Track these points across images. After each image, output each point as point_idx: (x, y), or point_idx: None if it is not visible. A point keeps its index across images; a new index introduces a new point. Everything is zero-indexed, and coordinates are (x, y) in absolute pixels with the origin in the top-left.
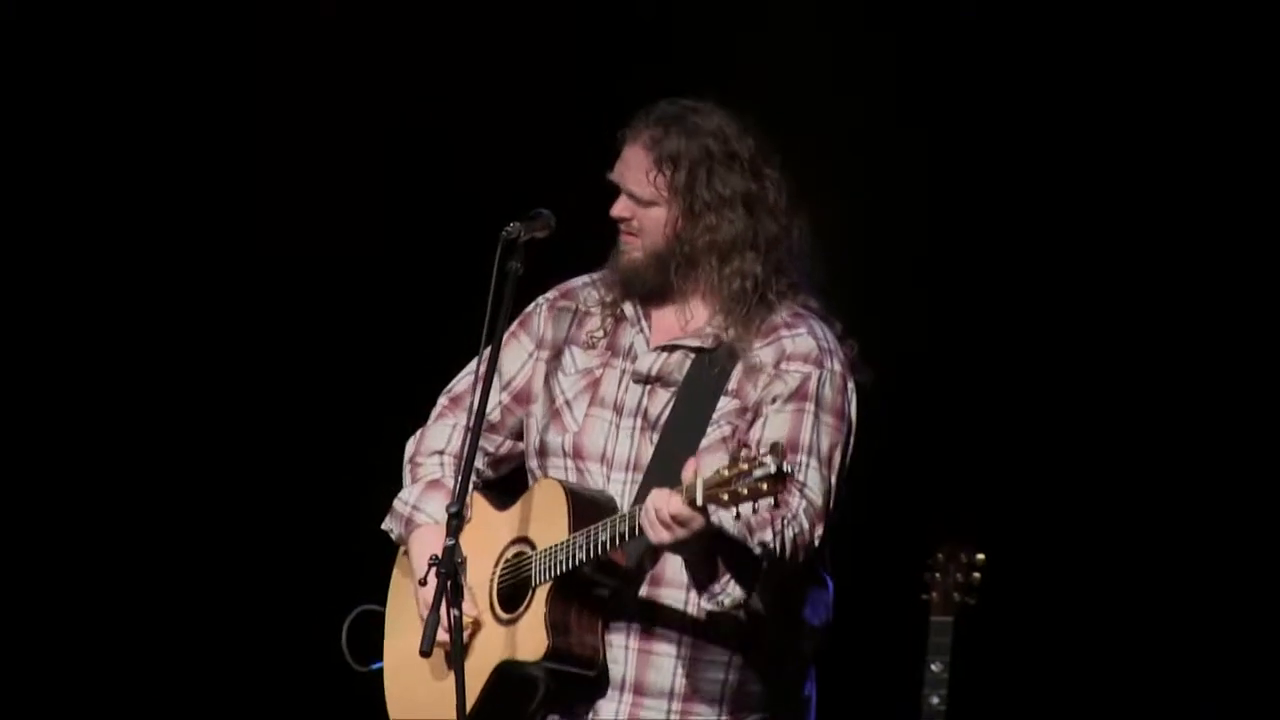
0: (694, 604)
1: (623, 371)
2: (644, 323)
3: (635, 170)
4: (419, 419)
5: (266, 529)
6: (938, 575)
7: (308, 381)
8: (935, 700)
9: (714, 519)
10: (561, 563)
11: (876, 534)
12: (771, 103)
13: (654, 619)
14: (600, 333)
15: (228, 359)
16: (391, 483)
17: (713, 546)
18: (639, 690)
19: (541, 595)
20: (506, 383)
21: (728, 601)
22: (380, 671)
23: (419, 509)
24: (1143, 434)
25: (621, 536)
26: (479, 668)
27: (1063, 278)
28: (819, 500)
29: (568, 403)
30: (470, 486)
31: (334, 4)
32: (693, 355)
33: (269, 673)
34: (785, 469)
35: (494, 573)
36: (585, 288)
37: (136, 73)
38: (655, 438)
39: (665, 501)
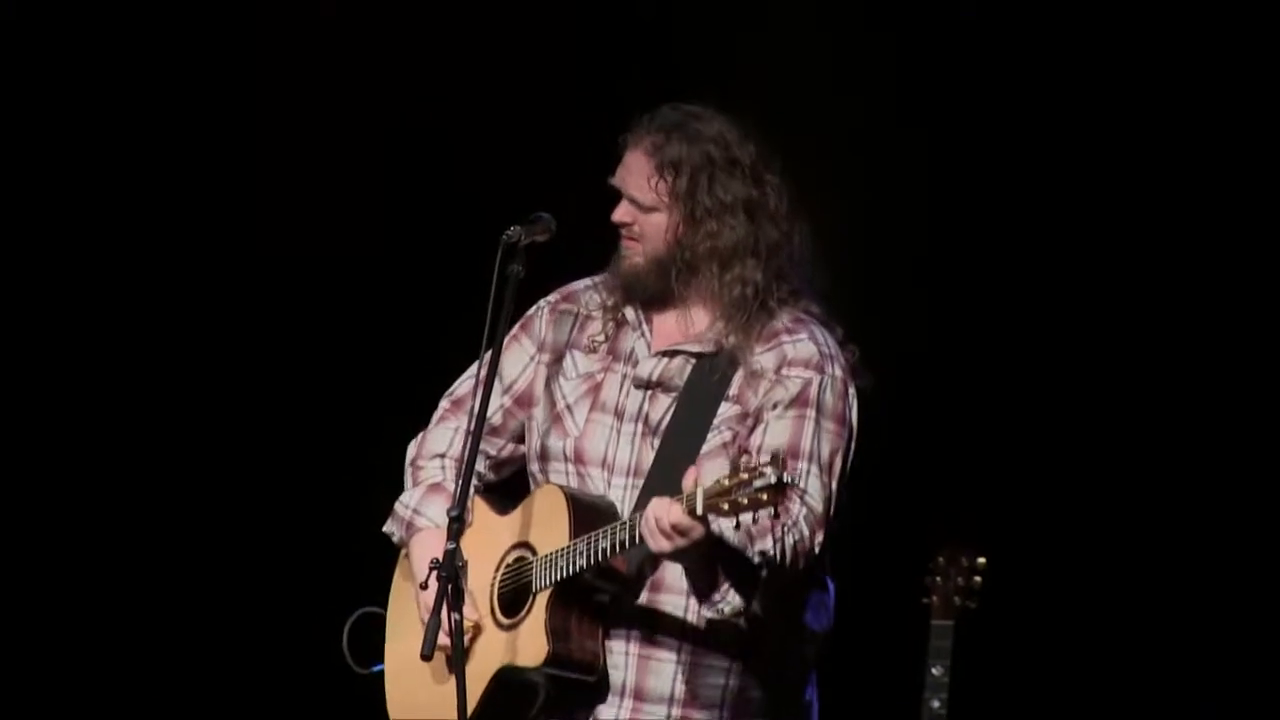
0: (694, 610)
1: (624, 376)
2: (645, 327)
3: (637, 176)
4: (420, 421)
5: (267, 531)
6: (938, 579)
7: (308, 383)
8: (936, 704)
9: (714, 527)
10: (562, 569)
11: (877, 538)
12: (771, 103)
13: (654, 625)
14: (602, 337)
15: (228, 360)
16: (392, 485)
17: (713, 555)
18: (639, 696)
19: (542, 601)
20: (508, 386)
21: (728, 610)
22: (381, 674)
23: (420, 512)
24: (1143, 436)
25: (622, 544)
26: (479, 672)
27: (1063, 279)
28: (819, 507)
29: (569, 407)
30: (471, 490)
31: (334, 4)
32: (694, 360)
33: (270, 674)
34: (786, 479)
35: (495, 577)
36: (587, 291)
37: (137, 73)
38: (656, 443)
39: (665, 510)
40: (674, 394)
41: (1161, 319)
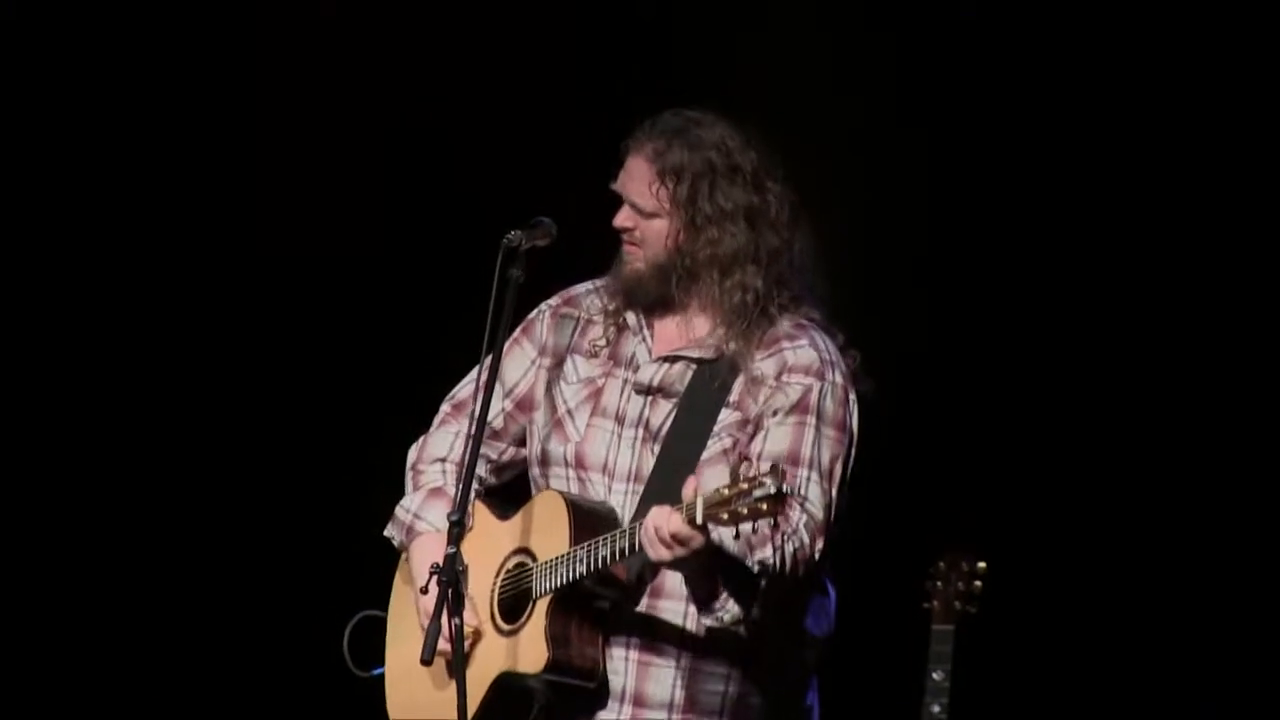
0: (694, 617)
1: (625, 381)
2: (646, 332)
3: (638, 182)
4: (420, 423)
5: (268, 534)
6: (939, 584)
7: (309, 385)
8: (936, 709)
9: (714, 536)
10: (562, 576)
11: (878, 543)
12: (772, 103)
13: (654, 631)
14: (603, 341)
15: (228, 362)
16: (393, 487)
17: (712, 564)
18: (639, 702)
19: (542, 607)
20: (509, 390)
21: (727, 618)
22: (381, 677)
23: (420, 517)
24: (1143, 440)
25: (622, 552)
26: (479, 677)
27: (1064, 280)
28: (820, 514)
29: (570, 412)
30: (472, 495)
31: (334, 4)
32: (694, 366)
33: (271, 677)
34: (785, 490)
35: (495, 583)
36: (588, 295)
37: (137, 73)
38: (657, 449)
39: (665, 520)
40: (675, 400)
41: (1162, 322)
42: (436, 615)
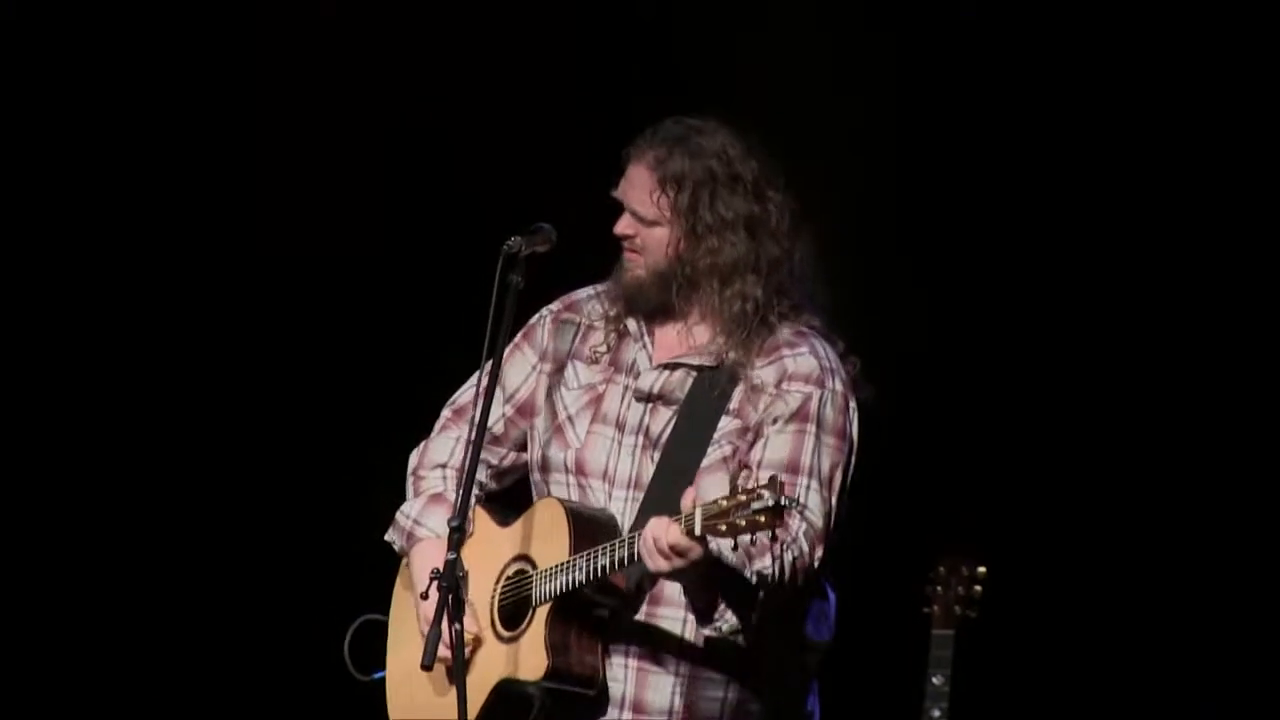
0: (693, 624)
1: (625, 388)
2: (647, 339)
3: (639, 190)
4: (421, 427)
5: (268, 538)
6: (939, 588)
7: (310, 390)
8: (937, 713)
9: (712, 547)
10: (561, 584)
11: (878, 547)
12: (772, 103)
13: (653, 639)
14: (603, 347)
15: (228, 365)
16: (394, 492)
17: (711, 574)
18: (638, 708)
19: (542, 615)
20: (510, 395)
21: (726, 628)
22: (382, 681)
23: (420, 523)
24: (1143, 443)
25: (621, 562)
26: (479, 684)
27: (1064, 283)
28: (819, 522)
29: (570, 418)
30: (472, 500)
31: (334, 4)
32: (695, 374)
33: (272, 680)
34: (783, 503)
35: (495, 590)
36: (589, 301)
37: (137, 73)
38: (657, 456)
39: (664, 531)
40: (675, 407)
41: (1163, 324)
42: (437, 621)
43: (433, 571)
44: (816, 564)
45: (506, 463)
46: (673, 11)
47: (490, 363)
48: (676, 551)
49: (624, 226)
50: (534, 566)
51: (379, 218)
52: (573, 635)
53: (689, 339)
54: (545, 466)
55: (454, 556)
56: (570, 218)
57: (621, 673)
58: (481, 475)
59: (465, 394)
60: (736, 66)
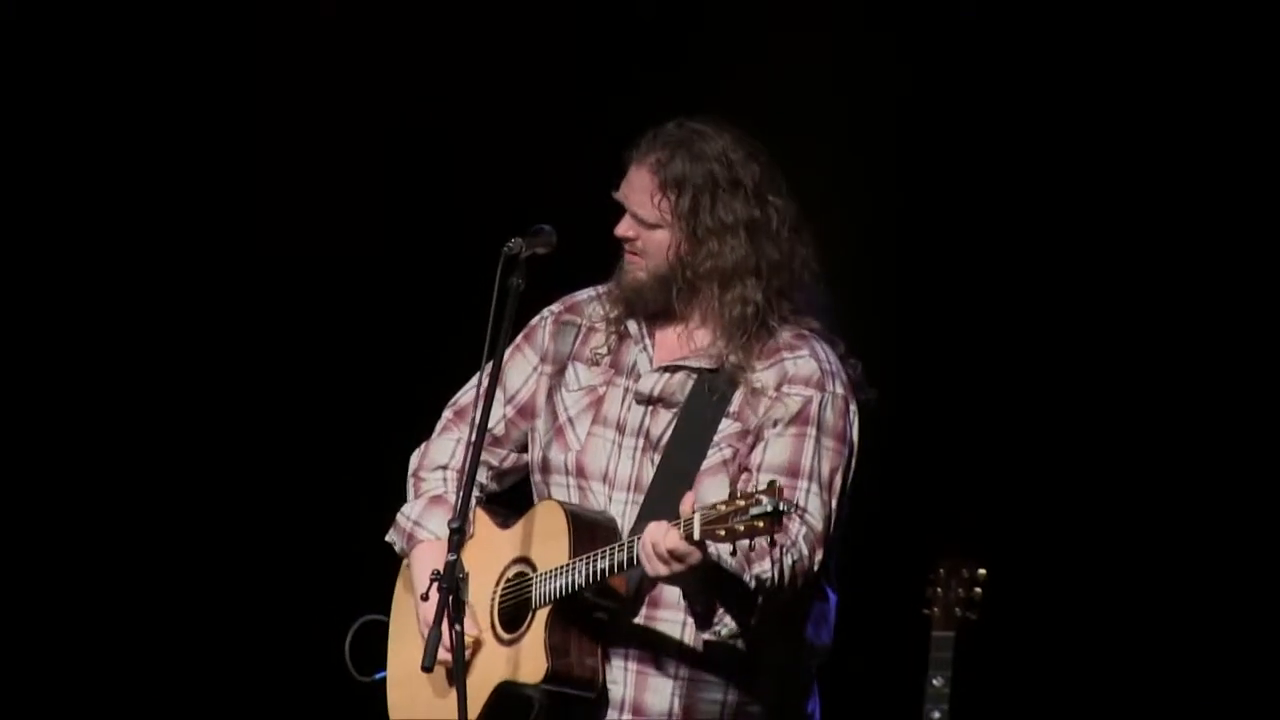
0: (692, 627)
1: (626, 390)
2: (647, 341)
3: (640, 192)
4: (422, 428)
5: (269, 538)
6: (939, 590)
7: (310, 391)
8: (937, 715)
9: (711, 551)
10: (561, 587)
11: (878, 549)
12: (772, 103)
13: (652, 642)
14: (604, 349)
15: (228, 366)
16: (395, 493)
17: (710, 578)
18: (638, 711)
19: (541, 618)
20: (511, 396)
21: (725, 632)
22: (383, 681)
23: (421, 524)
24: (1144, 446)
25: (620, 565)
26: (479, 686)
27: (1065, 284)
28: (819, 526)
29: (570, 420)
30: (473, 502)
31: (334, 4)
32: (695, 376)
33: (272, 681)
34: (782, 508)
35: (495, 592)
36: (590, 302)
37: (137, 73)
38: (657, 458)
39: (662, 536)
40: (675, 409)
41: (1163, 325)
42: (437, 622)
43: (433, 573)
44: (816, 567)
45: (507, 464)
46: (673, 12)
47: (491, 364)
48: (675, 556)
49: (625, 229)
50: (534, 569)
51: (379, 218)
52: (572, 638)
53: (690, 341)
54: (546, 468)
55: (454, 558)
56: (570, 219)
57: (621, 675)
58: (482, 476)
59: (466, 395)
60: (736, 67)
